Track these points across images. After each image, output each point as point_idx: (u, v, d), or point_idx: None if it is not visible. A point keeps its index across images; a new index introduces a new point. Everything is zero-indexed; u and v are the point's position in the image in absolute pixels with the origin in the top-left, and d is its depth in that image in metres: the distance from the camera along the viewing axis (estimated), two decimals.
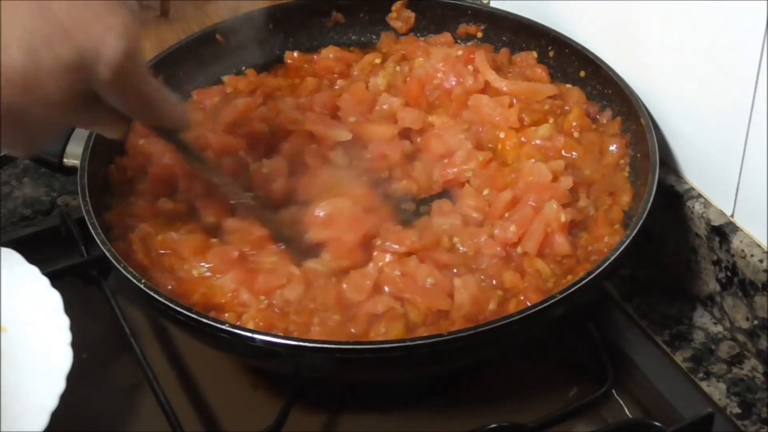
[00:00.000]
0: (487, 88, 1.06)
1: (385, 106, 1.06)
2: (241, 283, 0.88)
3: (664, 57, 0.96)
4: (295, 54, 1.15)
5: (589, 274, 0.83)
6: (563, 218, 0.91)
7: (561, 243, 0.90)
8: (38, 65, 0.71)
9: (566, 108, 1.04)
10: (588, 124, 1.03)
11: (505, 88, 1.05)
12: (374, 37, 1.17)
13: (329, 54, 1.14)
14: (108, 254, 0.86)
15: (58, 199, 1.12)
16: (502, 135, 1.02)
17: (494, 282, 0.88)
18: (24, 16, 0.71)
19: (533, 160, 0.97)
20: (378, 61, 1.12)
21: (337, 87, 1.10)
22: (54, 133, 0.80)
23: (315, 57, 1.14)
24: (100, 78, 0.74)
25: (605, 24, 1.04)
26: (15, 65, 0.70)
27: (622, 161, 0.99)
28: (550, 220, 0.91)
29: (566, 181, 0.95)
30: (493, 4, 1.18)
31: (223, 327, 0.80)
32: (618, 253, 0.85)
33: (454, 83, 1.07)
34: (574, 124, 1.02)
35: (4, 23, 0.70)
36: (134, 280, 0.83)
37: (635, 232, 0.86)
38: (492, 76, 1.06)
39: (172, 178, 0.97)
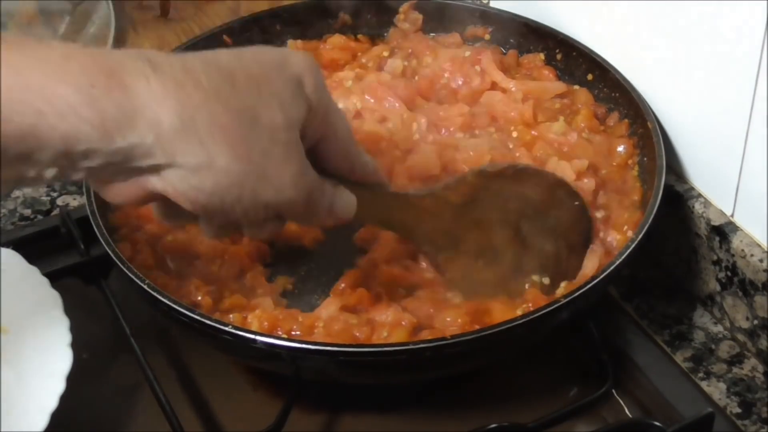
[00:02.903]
0: (494, 89, 1.06)
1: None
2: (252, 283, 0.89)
3: (665, 57, 0.96)
4: (299, 43, 1.14)
5: (593, 279, 0.83)
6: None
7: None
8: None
9: (575, 108, 1.04)
10: (596, 126, 1.03)
11: (513, 88, 1.05)
12: (381, 39, 1.17)
13: (335, 42, 1.13)
14: (112, 254, 0.86)
15: (58, 200, 1.12)
16: (515, 134, 1.01)
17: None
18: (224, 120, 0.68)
19: (556, 158, 0.97)
20: (386, 54, 1.12)
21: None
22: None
23: (321, 45, 1.13)
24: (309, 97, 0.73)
25: (611, 27, 1.04)
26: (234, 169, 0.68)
27: (630, 161, 0.99)
28: None
29: (589, 183, 0.95)
30: (497, 5, 1.18)
31: (226, 328, 0.80)
32: (622, 258, 0.85)
33: (460, 83, 1.07)
34: (582, 125, 1.02)
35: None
36: (138, 281, 0.83)
37: (639, 237, 0.86)
38: (499, 77, 1.06)
39: None
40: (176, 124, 0.65)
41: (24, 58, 0.64)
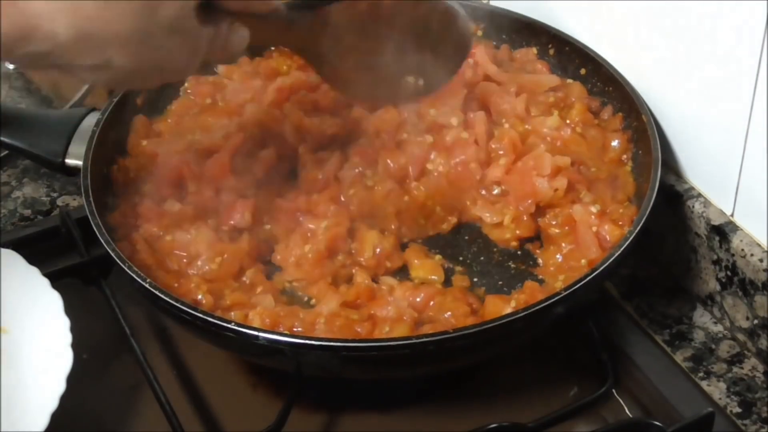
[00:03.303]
0: (486, 82, 1.06)
1: None
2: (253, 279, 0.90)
3: (665, 56, 0.96)
4: None
5: (592, 271, 0.83)
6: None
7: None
8: None
9: (569, 101, 1.04)
10: (590, 119, 1.03)
11: (507, 81, 1.05)
12: None
13: None
14: (113, 254, 0.86)
15: (58, 200, 1.12)
16: (506, 125, 1.02)
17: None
18: None
19: (542, 147, 0.98)
20: None
21: None
22: (185, 55, 0.79)
23: None
24: None
25: (611, 28, 1.04)
26: None
27: (624, 156, 0.99)
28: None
29: (560, 182, 0.95)
30: (492, 3, 1.18)
31: (229, 325, 0.80)
32: (621, 250, 0.85)
33: None
34: (577, 119, 1.02)
35: None
36: (139, 280, 0.83)
37: (638, 229, 0.87)
38: (493, 70, 1.06)
39: (179, 179, 0.97)
40: (71, 35, 0.70)
41: None
